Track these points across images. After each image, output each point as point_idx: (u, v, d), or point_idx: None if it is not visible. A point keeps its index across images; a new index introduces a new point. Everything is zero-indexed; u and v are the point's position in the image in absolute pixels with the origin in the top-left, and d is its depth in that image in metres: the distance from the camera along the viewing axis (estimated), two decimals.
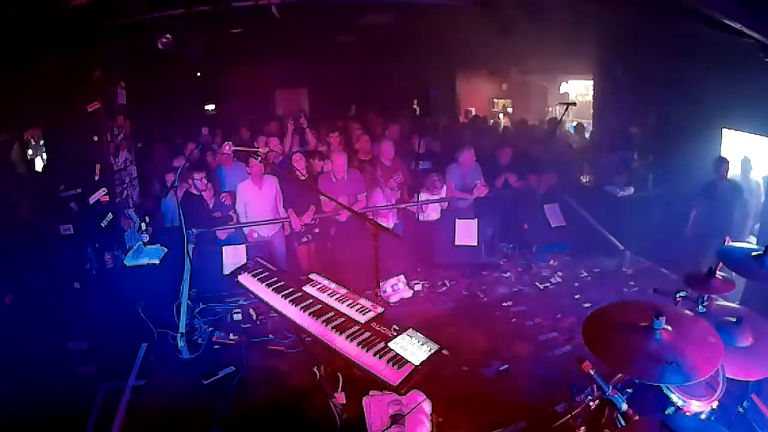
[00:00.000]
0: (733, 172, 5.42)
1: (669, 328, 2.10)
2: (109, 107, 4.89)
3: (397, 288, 5.09)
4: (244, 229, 5.34)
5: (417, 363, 2.26)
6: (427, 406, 2.73)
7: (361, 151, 5.88)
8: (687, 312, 2.41)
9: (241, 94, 8.43)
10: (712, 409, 2.32)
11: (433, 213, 5.89)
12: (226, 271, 4.66)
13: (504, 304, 4.94)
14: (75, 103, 4.66)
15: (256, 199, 5.24)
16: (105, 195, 4.89)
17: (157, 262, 4.83)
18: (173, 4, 4.42)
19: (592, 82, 7.75)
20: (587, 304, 4.72)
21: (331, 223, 5.48)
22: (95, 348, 4.12)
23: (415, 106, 5.59)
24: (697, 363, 1.97)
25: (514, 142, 6.93)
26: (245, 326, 4.61)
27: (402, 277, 5.18)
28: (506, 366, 3.83)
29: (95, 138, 4.79)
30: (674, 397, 2.30)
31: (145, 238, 5.07)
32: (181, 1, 4.41)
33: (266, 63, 7.95)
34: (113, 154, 4.97)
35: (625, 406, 2.11)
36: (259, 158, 4.32)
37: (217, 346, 4.30)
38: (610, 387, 2.15)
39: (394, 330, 2.47)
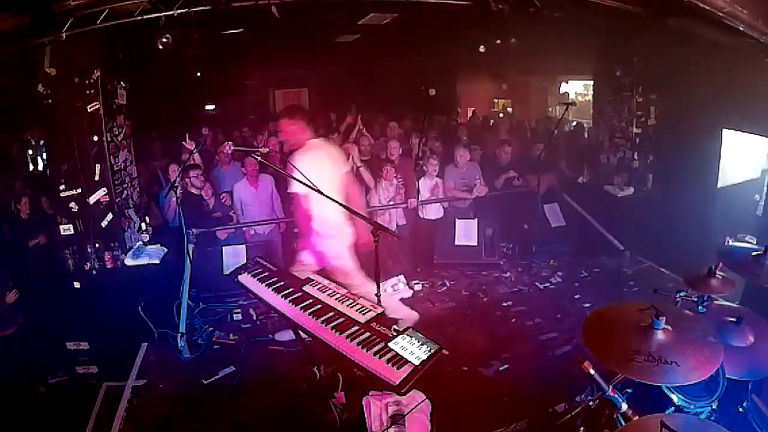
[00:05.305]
0: (732, 172, 5.41)
1: (669, 328, 2.09)
2: (109, 107, 4.89)
3: (397, 288, 5.09)
4: (243, 228, 5.34)
5: (417, 363, 2.25)
6: (427, 406, 2.73)
7: (361, 151, 5.87)
8: (687, 312, 2.41)
9: (241, 94, 8.43)
10: (712, 409, 2.32)
11: (432, 208, 5.88)
12: (226, 271, 4.67)
13: (504, 304, 4.93)
14: (75, 103, 4.66)
15: (252, 199, 5.26)
16: (105, 195, 4.88)
17: (157, 262, 4.84)
18: (173, 4, 4.43)
19: (592, 82, 7.74)
20: (587, 304, 4.72)
21: None
22: (95, 348, 4.11)
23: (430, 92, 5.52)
24: (697, 363, 1.97)
25: (514, 142, 6.92)
26: (245, 326, 4.61)
27: (402, 277, 5.18)
28: (506, 366, 3.82)
29: (95, 138, 4.79)
30: (674, 397, 2.30)
31: (145, 238, 5.08)
32: (182, 1, 4.42)
33: (266, 63, 7.95)
34: (113, 154, 4.97)
35: (625, 406, 2.11)
36: (259, 158, 4.31)
37: (217, 346, 4.30)
38: (610, 387, 2.14)
39: (394, 330, 2.46)
